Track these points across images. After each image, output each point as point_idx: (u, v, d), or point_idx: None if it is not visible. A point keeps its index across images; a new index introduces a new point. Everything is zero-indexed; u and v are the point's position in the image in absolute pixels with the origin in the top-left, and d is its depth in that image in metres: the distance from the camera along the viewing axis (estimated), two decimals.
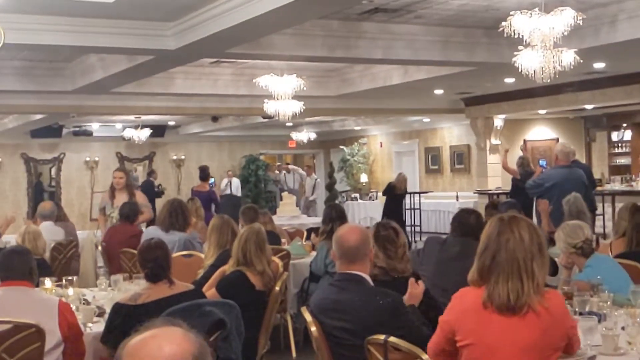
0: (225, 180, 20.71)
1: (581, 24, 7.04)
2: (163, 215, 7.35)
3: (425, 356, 3.22)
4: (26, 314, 3.92)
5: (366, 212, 20.33)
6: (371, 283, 3.74)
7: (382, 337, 3.33)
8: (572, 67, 7.66)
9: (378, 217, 20.25)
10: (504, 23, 7.09)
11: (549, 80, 7.61)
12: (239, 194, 20.28)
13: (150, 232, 7.21)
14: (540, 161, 14.53)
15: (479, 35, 9.87)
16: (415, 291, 3.85)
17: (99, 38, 8.13)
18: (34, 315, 3.92)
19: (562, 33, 7.12)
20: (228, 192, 19.92)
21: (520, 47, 7.45)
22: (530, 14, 7.06)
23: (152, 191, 17.11)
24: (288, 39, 9.07)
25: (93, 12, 7.63)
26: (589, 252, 4.44)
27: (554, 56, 7.42)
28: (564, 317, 3.10)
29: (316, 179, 20.76)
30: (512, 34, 7.11)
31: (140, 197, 9.01)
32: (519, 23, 7.10)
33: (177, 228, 7.18)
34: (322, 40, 9.33)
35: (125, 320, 4.04)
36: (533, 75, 7.60)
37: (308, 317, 3.65)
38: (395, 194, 14.97)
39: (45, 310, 4.03)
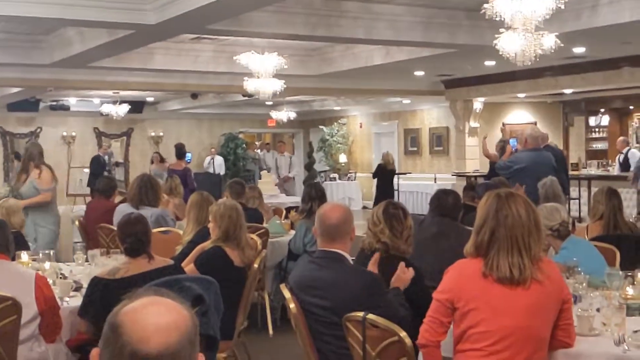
0: (208, 158, 20.66)
1: (563, 7, 7.04)
2: (132, 192, 7.28)
3: (402, 333, 3.25)
4: (2, 287, 3.89)
5: (344, 193, 20.38)
6: (350, 261, 3.76)
7: (361, 314, 3.35)
8: (552, 51, 7.69)
9: (356, 197, 20.40)
10: (485, 5, 7.07)
11: (529, 64, 7.63)
12: (222, 172, 20.23)
13: (121, 209, 7.14)
14: (511, 140, 14.70)
15: (460, 17, 9.86)
16: (403, 275, 3.87)
17: (79, 11, 8.04)
18: (11, 289, 3.89)
19: (544, 16, 7.13)
20: (211, 170, 19.88)
21: (501, 30, 7.45)
22: None
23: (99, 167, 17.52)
24: (269, 16, 9.02)
25: None
26: (565, 234, 4.49)
27: (535, 39, 7.43)
28: (561, 282, 3.26)
29: (290, 157, 20.70)
30: (494, 16, 7.10)
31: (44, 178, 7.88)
32: (501, 5, 7.09)
33: (148, 203, 7.11)
34: (304, 19, 9.29)
35: (103, 294, 4.02)
36: (514, 58, 7.61)
37: (287, 294, 3.66)
38: (387, 170, 15.12)
39: (22, 284, 4.00)
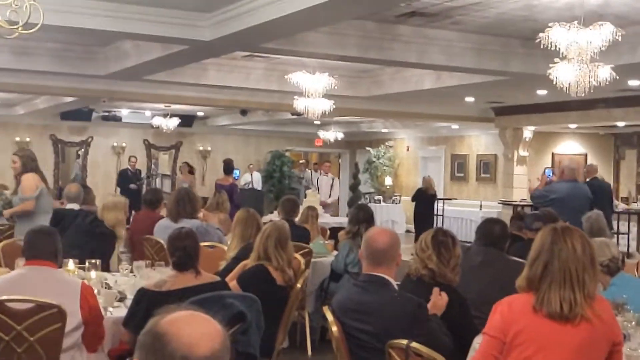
0: (246, 175, 20.75)
1: (620, 39, 6.96)
2: (170, 206, 7.38)
3: None
4: (49, 294, 3.94)
5: (388, 215, 20.30)
6: (396, 287, 3.73)
7: (405, 341, 3.31)
8: (607, 83, 7.59)
9: (400, 221, 20.29)
10: (541, 34, 7.03)
11: (583, 95, 7.54)
12: (259, 187, 20.32)
13: (162, 224, 7.24)
14: (547, 171, 14.55)
15: (514, 45, 9.81)
16: (438, 302, 3.84)
17: (136, 24, 8.17)
18: (57, 296, 3.93)
19: (600, 48, 7.06)
20: (249, 186, 19.95)
21: (556, 59, 7.39)
22: (569, 26, 7.00)
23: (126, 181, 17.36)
24: (323, 37, 9.06)
25: None
26: (615, 270, 4.40)
27: (590, 71, 7.36)
28: (613, 323, 3.18)
29: (333, 179, 20.55)
30: (549, 45, 7.05)
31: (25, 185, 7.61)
32: (557, 35, 7.04)
33: (185, 216, 7.19)
34: (357, 41, 9.31)
35: (148, 306, 4.04)
36: (567, 88, 7.54)
37: (330, 316, 3.64)
38: (427, 195, 14.99)
39: (67, 292, 4.05)
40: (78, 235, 6.38)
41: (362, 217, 7.08)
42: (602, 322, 3.06)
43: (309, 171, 20.49)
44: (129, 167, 18.38)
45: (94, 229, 6.58)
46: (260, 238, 5.10)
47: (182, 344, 1.63)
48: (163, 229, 6.99)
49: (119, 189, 17.15)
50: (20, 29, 4.96)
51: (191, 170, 14.76)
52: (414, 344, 3.27)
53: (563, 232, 3.12)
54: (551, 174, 12.03)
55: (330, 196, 17.70)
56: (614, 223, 12.08)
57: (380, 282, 3.67)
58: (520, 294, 3.16)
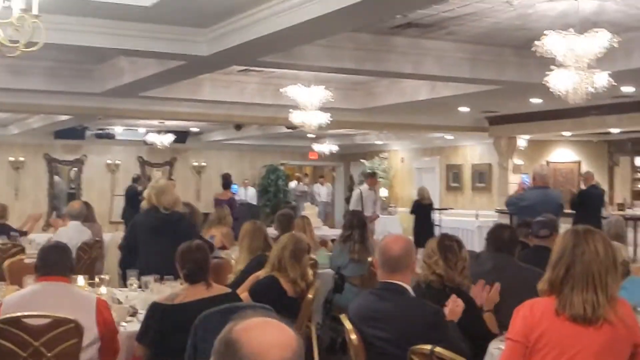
0: (241, 189, 20.78)
1: (615, 46, 7.03)
2: None
3: None
4: (65, 309, 3.95)
5: (384, 227, 20.26)
6: (412, 294, 3.75)
7: (429, 346, 3.33)
8: (604, 90, 7.65)
9: (396, 232, 20.25)
10: (537, 42, 7.08)
11: (580, 102, 7.60)
12: (254, 203, 20.36)
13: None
14: (523, 177, 14.63)
15: (508, 54, 9.87)
16: (455, 308, 3.86)
17: (132, 41, 8.17)
18: (73, 311, 3.94)
19: (597, 54, 7.11)
20: (244, 200, 19.98)
21: (552, 67, 7.43)
22: (564, 34, 7.06)
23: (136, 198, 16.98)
24: (319, 49, 9.10)
25: (129, 15, 7.67)
26: (625, 274, 4.42)
27: (587, 78, 7.41)
28: (635, 325, 3.19)
29: (327, 185, 20.59)
30: (545, 53, 7.10)
31: None
32: (553, 43, 7.10)
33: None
34: (352, 53, 9.35)
35: (162, 320, 4.06)
36: (565, 96, 7.58)
37: (348, 324, 3.66)
38: (423, 205, 15.02)
39: (83, 306, 4.05)
40: None
41: (356, 223, 7.24)
42: (624, 325, 3.08)
43: (307, 184, 20.54)
44: (137, 185, 18.07)
45: None
46: (276, 249, 5.12)
47: (251, 352, 1.63)
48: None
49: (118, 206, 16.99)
50: (22, 47, 4.98)
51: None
52: (438, 349, 3.29)
53: (585, 234, 3.13)
54: (528, 181, 12.08)
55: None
56: None
57: (396, 289, 3.68)
58: (541, 297, 3.16)
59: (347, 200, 22.21)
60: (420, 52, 9.54)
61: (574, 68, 7.32)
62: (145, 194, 6.34)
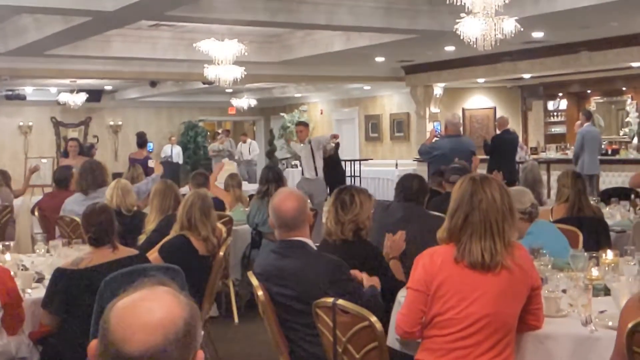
0: (167, 147, 20.46)
1: None
2: (76, 181, 7.20)
3: (373, 318, 3.23)
4: None
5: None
6: (312, 246, 3.72)
7: (331, 300, 3.32)
8: (512, 36, 7.73)
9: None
10: None
11: (490, 49, 7.67)
12: (180, 160, 20.09)
13: (72, 200, 7.04)
14: (435, 125, 14.84)
15: (421, 2, 9.88)
16: (393, 243, 4.14)
17: None
18: None
19: (504, 1, 7.17)
20: (169, 159, 19.69)
21: (462, 15, 7.48)
22: None
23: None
24: (229, 2, 8.94)
25: None
26: (534, 216, 4.49)
27: (495, 24, 7.48)
28: (531, 268, 3.24)
29: (250, 143, 20.38)
30: (455, 1, 7.12)
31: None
32: None
33: (95, 187, 7.03)
34: (264, 4, 9.22)
35: (67, 285, 3.95)
36: (474, 43, 7.65)
37: (255, 281, 3.62)
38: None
39: None
40: None
41: (272, 177, 7.20)
42: (521, 269, 3.12)
43: (231, 140, 20.27)
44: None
45: None
46: (183, 208, 5.02)
47: (117, 337, 1.49)
48: (73, 204, 6.84)
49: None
50: None
51: (84, 151, 12.84)
52: (341, 301, 3.28)
53: (482, 182, 3.15)
54: (439, 128, 12.23)
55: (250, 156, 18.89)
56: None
57: (296, 244, 3.64)
58: (441, 245, 3.19)
59: (268, 154, 22.14)
60: (333, 3, 9.47)
61: (483, 15, 7.38)
62: None
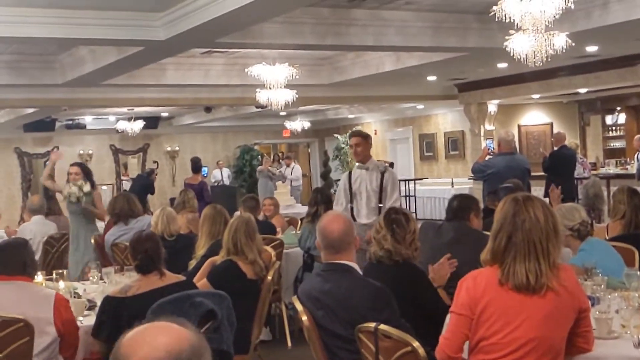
0: (217, 171, 20.67)
1: (572, 7, 6.98)
2: (110, 213, 7.37)
3: (416, 343, 3.19)
4: (21, 308, 3.88)
5: None
6: (358, 270, 3.70)
7: (373, 325, 3.29)
8: (564, 51, 7.62)
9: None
10: (494, 7, 7.03)
11: (540, 64, 7.57)
12: (229, 184, 20.26)
13: (112, 232, 7.21)
14: (488, 142, 14.60)
15: (470, 20, 9.81)
16: (440, 271, 4.05)
17: (87, 30, 8.05)
18: (31, 310, 3.88)
19: (554, 16, 7.07)
20: (220, 183, 19.86)
21: (511, 31, 7.40)
22: None
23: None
24: (278, 27, 9.00)
25: (82, 3, 7.58)
26: (585, 234, 4.40)
27: (545, 40, 7.38)
28: (578, 290, 3.14)
29: (293, 167, 20.38)
30: (503, 18, 7.06)
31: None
32: (510, 7, 7.05)
33: (131, 216, 7.18)
34: (312, 28, 9.26)
35: (115, 313, 4.00)
36: (525, 59, 7.56)
37: (299, 306, 3.61)
38: None
39: (41, 305, 3.99)
40: None
41: (320, 199, 7.16)
42: (567, 291, 3.03)
43: (283, 165, 20.36)
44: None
45: None
46: (228, 233, 5.06)
47: (122, 353, 1.53)
48: (113, 235, 7.04)
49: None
50: None
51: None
52: (382, 327, 3.25)
53: (525, 202, 3.07)
54: (492, 146, 12.03)
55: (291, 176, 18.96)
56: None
57: (341, 269, 3.63)
58: (484, 268, 3.13)
59: (323, 176, 22.18)
60: (381, 24, 9.46)
61: (532, 31, 7.29)
62: None
